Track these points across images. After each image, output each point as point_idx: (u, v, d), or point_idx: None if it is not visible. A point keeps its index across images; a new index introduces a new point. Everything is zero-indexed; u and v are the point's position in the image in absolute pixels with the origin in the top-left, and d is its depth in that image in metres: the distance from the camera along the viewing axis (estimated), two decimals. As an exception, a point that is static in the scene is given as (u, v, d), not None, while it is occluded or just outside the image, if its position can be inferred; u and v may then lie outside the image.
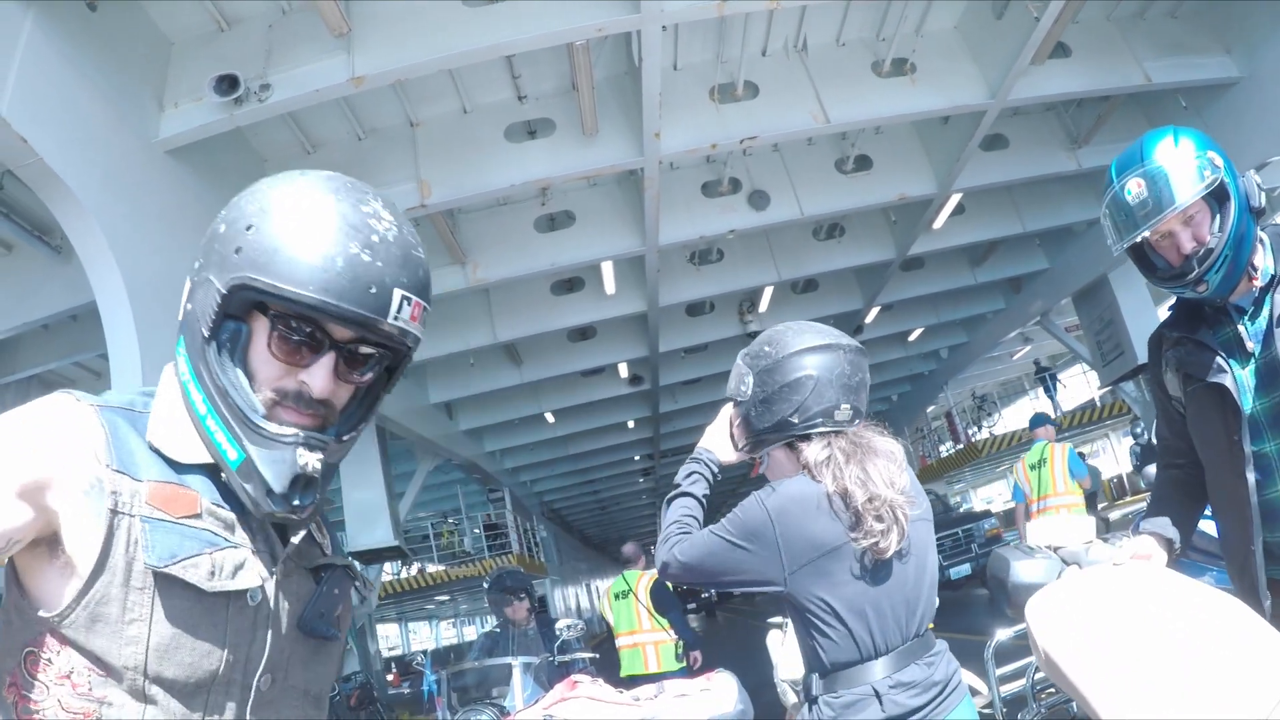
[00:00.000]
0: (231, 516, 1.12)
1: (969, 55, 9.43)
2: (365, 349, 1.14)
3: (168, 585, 1.03)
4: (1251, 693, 1.62)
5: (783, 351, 1.98)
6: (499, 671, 5.03)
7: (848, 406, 1.97)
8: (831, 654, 1.87)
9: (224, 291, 1.06)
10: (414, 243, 1.13)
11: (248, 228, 1.06)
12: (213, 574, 1.06)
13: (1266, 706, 1.57)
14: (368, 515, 13.05)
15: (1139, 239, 2.06)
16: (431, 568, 22.00)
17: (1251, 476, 2.13)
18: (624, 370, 17.06)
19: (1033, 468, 7.93)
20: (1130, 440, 14.75)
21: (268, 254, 1.04)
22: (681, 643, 6.92)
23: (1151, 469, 4.37)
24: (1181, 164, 2.00)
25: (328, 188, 1.10)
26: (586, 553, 43.34)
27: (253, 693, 1.12)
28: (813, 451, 1.95)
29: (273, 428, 1.09)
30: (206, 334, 1.07)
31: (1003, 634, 3.53)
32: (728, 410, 2.17)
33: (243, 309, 1.09)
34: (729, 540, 1.92)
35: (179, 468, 1.10)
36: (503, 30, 6.99)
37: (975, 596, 11.43)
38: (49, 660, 1.00)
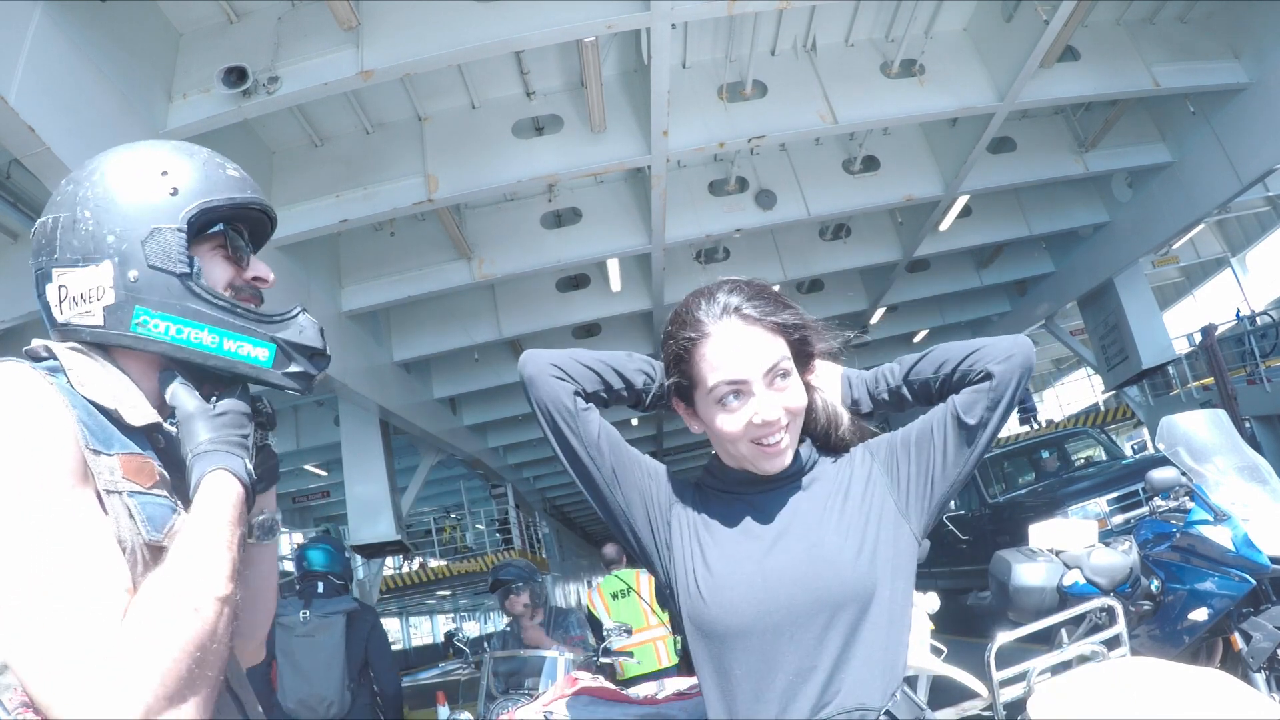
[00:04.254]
0: (168, 477, 1.15)
1: (978, 57, 9.41)
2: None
3: (159, 557, 1.04)
4: None
5: None
6: (534, 662, 5.03)
7: None
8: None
9: (184, 227, 1.18)
10: None
11: (163, 173, 1.20)
12: None
13: None
14: (370, 509, 13.05)
15: None
16: (433, 562, 22.02)
17: None
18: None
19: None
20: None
21: (202, 183, 1.22)
22: (680, 638, 6.63)
23: (1156, 473, 4.35)
24: None
25: (159, 140, 1.29)
26: (588, 549, 43.30)
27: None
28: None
29: (279, 311, 1.25)
30: (187, 270, 1.17)
31: (1004, 637, 3.52)
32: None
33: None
34: None
35: (127, 431, 1.12)
36: (512, 26, 6.99)
37: (976, 598, 11.42)
38: None
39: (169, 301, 1.16)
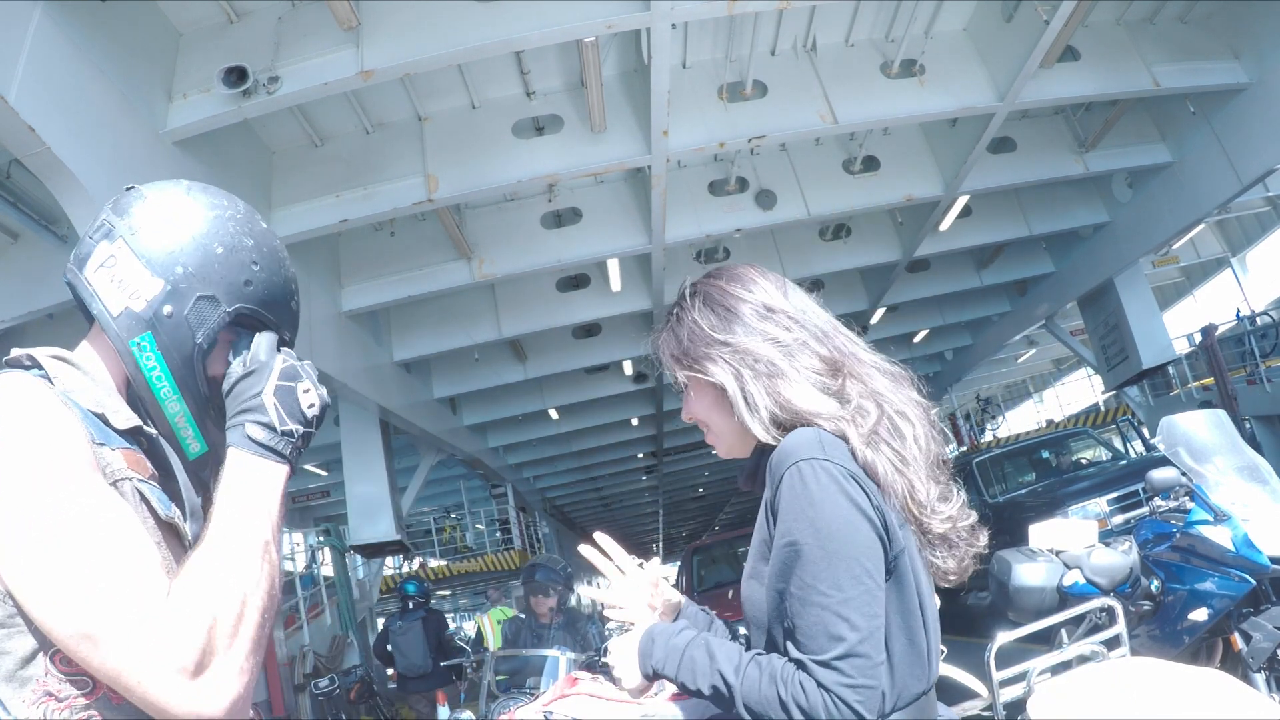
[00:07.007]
0: (157, 474, 1.22)
1: (978, 57, 9.40)
2: None
3: (169, 534, 1.15)
4: None
5: None
6: (535, 661, 5.03)
7: None
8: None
9: (230, 315, 1.25)
10: None
11: (254, 263, 1.28)
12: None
13: None
14: (370, 509, 13.05)
15: None
16: (433, 562, 22.03)
17: None
18: (628, 368, 17.05)
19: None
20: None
21: (270, 296, 1.29)
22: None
23: (1156, 473, 4.36)
24: None
25: (269, 231, 1.34)
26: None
27: None
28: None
29: (234, 414, 1.27)
30: (202, 343, 1.24)
31: (1004, 637, 3.52)
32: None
33: None
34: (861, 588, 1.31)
35: (114, 432, 1.18)
36: (512, 26, 6.99)
37: (976, 598, 11.41)
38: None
39: (171, 353, 1.23)
